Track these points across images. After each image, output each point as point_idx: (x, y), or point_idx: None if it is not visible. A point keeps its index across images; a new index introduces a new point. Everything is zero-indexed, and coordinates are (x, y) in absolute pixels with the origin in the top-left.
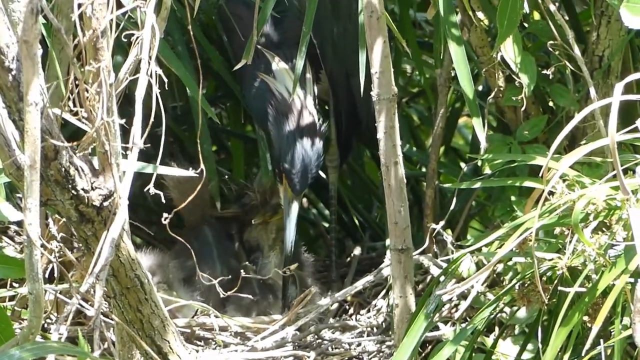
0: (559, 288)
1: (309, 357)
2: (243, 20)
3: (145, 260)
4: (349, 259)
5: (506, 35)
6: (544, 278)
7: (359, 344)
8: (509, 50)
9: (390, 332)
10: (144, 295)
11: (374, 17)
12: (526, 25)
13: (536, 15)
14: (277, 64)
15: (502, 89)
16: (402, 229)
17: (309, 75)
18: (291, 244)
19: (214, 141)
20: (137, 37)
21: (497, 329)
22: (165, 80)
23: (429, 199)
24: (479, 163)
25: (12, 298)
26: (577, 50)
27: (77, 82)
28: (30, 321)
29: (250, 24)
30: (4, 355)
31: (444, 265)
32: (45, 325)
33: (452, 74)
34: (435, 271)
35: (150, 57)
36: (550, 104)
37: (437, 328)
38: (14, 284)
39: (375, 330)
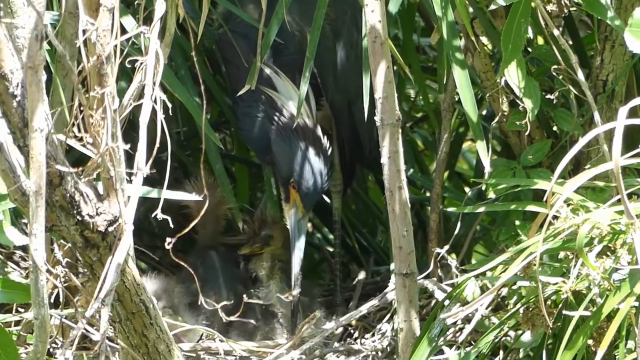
0: (564, 312)
1: None
2: (239, 51)
3: (150, 285)
4: (353, 283)
5: (510, 60)
6: (549, 302)
7: None
8: (512, 75)
9: (395, 356)
10: (149, 320)
11: (377, 42)
12: (530, 50)
13: (540, 40)
14: (282, 80)
15: (506, 113)
16: (407, 253)
17: (312, 103)
18: (300, 263)
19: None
20: (141, 63)
21: (501, 352)
22: (170, 105)
23: (433, 224)
24: (483, 187)
25: (17, 323)
26: (581, 75)
27: (81, 108)
28: (36, 346)
29: (247, 54)
30: None
31: (449, 289)
32: (51, 350)
33: (456, 99)
34: (439, 295)
35: (154, 83)
36: (555, 128)
37: (441, 352)
38: (20, 309)
39: (380, 354)
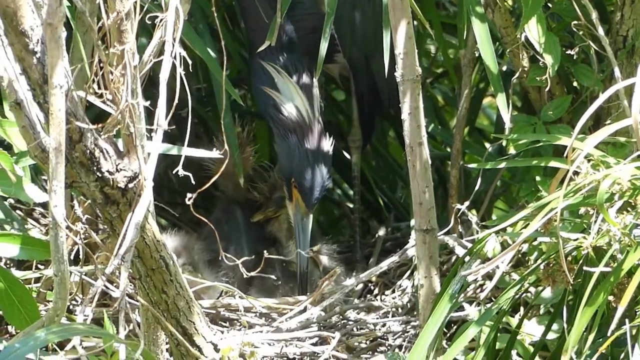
0: (584, 268)
1: (333, 337)
2: (257, 8)
3: (170, 241)
4: (373, 239)
5: (530, 15)
6: (569, 258)
7: (384, 325)
8: (533, 31)
9: (415, 313)
10: (169, 276)
11: None
12: (550, 5)
13: None
14: (283, 78)
15: (526, 69)
16: (427, 209)
17: (315, 91)
18: (306, 262)
19: (238, 123)
20: (161, 20)
21: (522, 309)
22: (190, 62)
23: (454, 180)
24: (504, 143)
25: (37, 280)
26: (601, 30)
27: (101, 64)
28: (56, 303)
29: (266, 9)
30: (30, 337)
31: (469, 245)
32: (71, 307)
33: (476, 55)
34: (460, 251)
35: (174, 40)
36: (575, 84)
37: (462, 308)
38: (40, 266)
39: (400, 310)
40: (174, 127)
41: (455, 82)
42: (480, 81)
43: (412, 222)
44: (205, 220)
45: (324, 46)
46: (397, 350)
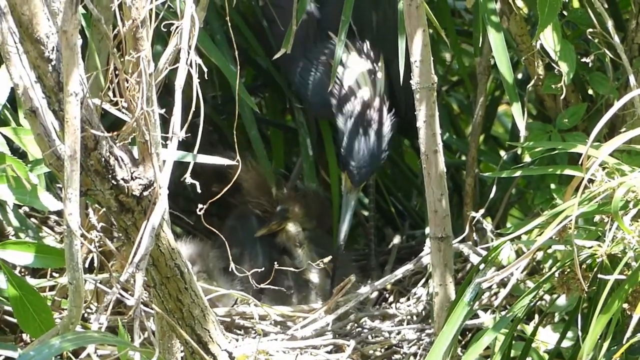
0: (599, 276)
1: (348, 345)
2: (283, 10)
3: (185, 249)
4: (388, 247)
5: (546, 23)
6: (584, 266)
7: (399, 333)
8: (548, 39)
9: (430, 321)
10: (183, 284)
11: (413, 5)
12: (565, 13)
13: (575, 3)
14: (349, 54)
15: (541, 77)
16: (442, 217)
17: (380, 75)
18: (345, 233)
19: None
20: (177, 27)
21: (536, 316)
22: (205, 69)
23: (469, 188)
24: (519, 151)
25: (52, 288)
26: (616, 38)
27: (116, 72)
28: (71, 311)
29: (291, 13)
30: (45, 345)
31: (484, 253)
32: (85, 315)
33: (492, 63)
34: (474, 259)
35: (189, 47)
36: (590, 91)
37: (476, 316)
38: (54, 274)
39: (415, 318)
40: (189, 135)
41: (470, 90)
42: (496, 89)
43: (427, 230)
44: (216, 232)
45: (339, 51)
46: (412, 358)
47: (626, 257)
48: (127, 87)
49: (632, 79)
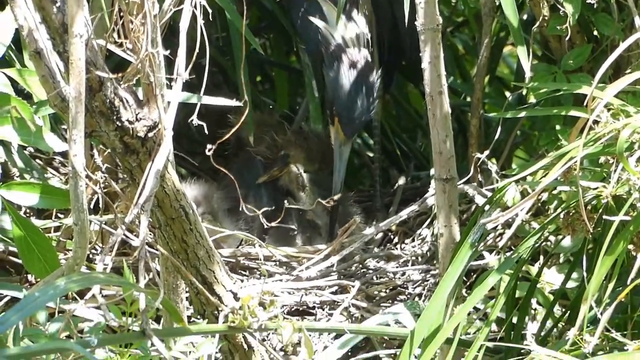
0: (604, 217)
1: (353, 286)
2: None
3: (190, 190)
4: (393, 188)
5: None
6: (589, 207)
7: (404, 273)
8: None
9: (434, 261)
10: (188, 225)
11: None
12: None
13: None
14: (331, 11)
15: (546, 18)
16: (447, 158)
17: (362, 23)
18: (340, 185)
19: (258, 72)
20: None
21: (541, 257)
22: (210, 10)
23: (474, 129)
24: (524, 92)
25: (57, 229)
26: None
27: (121, 13)
28: (75, 252)
29: None
30: (50, 285)
31: (489, 194)
32: (91, 256)
33: (497, 3)
34: (479, 200)
35: None
36: (595, 33)
37: (481, 257)
38: (59, 215)
39: (419, 259)
40: (194, 76)
41: (475, 31)
42: (501, 30)
43: (432, 171)
44: (225, 171)
45: None
46: (416, 298)
47: (631, 198)
48: (132, 29)
49: (637, 19)
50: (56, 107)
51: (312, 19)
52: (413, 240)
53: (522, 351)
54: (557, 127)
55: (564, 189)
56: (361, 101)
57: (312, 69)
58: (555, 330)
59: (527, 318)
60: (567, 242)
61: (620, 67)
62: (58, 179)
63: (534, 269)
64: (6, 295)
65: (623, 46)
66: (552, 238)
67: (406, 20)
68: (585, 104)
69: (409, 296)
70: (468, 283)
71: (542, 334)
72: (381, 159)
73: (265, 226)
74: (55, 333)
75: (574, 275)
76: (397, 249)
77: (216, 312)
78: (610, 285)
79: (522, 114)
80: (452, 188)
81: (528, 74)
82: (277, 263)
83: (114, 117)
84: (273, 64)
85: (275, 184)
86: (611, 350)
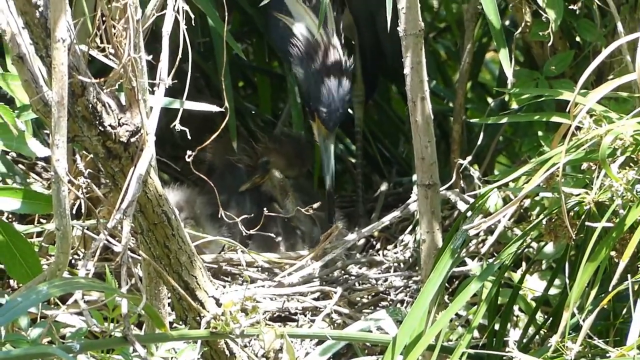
0: (587, 223)
1: (335, 292)
2: None
3: (172, 196)
4: (375, 194)
5: None
6: (571, 213)
7: (386, 280)
8: None
9: (417, 268)
10: (171, 231)
11: None
12: None
13: None
14: (294, 4)
15: (529, 23)
16: (429, 164)
17: (333, 13)
18: (331, 179)
19: (241, 77)
20: None
21: (524, 264)
22: (192, 16)
23: (456, 135)
24: (506, 98)
25: (39, 234)
26: None
27: (104, 18)
28: (58, 257)
29: None
30: (32, 291)
31: (471, 200)
32: (73, 262)
33: (479, 9)
34: (462, 206)
35: None
36: (577, 39)
37: (464, 263)
38: (42, 220)
39: (402, 265)
40: (176, 81)
41: (457, 36)
42: (483, 36)
43: (415, 177)
44: (204, 178)
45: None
46: (398, 305)
47: (614, 204)
48: (115, 34)
49: (619, 25)
50: (39, 112)
51: (277, 15)
52: (395, 247)
53: (504, 358)
54: (540, 133)
55: (547, 195)
56: (336, 92)
57: (288, 69)
58: (537, 337)
59: (509, 325)
60: (549, 248)
61: (602, 73)
62: (40, 184)
63: (516, 276)
64: None
65: (605, 52)
66: (534, 244)
67: (387, 27)
68: (567, 110)
69: (391, 302)
70: (450, 289)
71: (524, 341)
72: (363, 165)
73: (244, 233)
74: (37, 338)
75: (557, 282)
76: (379, 255)
77: (198, 318)
78: (593, 292)
79: (505, 119)
80: (434, 194)
81: (510, 80)
82: (260, 269)
83: (97, 122)
84: (255, 69)
85: (258, 190)
86: (593, 357)
